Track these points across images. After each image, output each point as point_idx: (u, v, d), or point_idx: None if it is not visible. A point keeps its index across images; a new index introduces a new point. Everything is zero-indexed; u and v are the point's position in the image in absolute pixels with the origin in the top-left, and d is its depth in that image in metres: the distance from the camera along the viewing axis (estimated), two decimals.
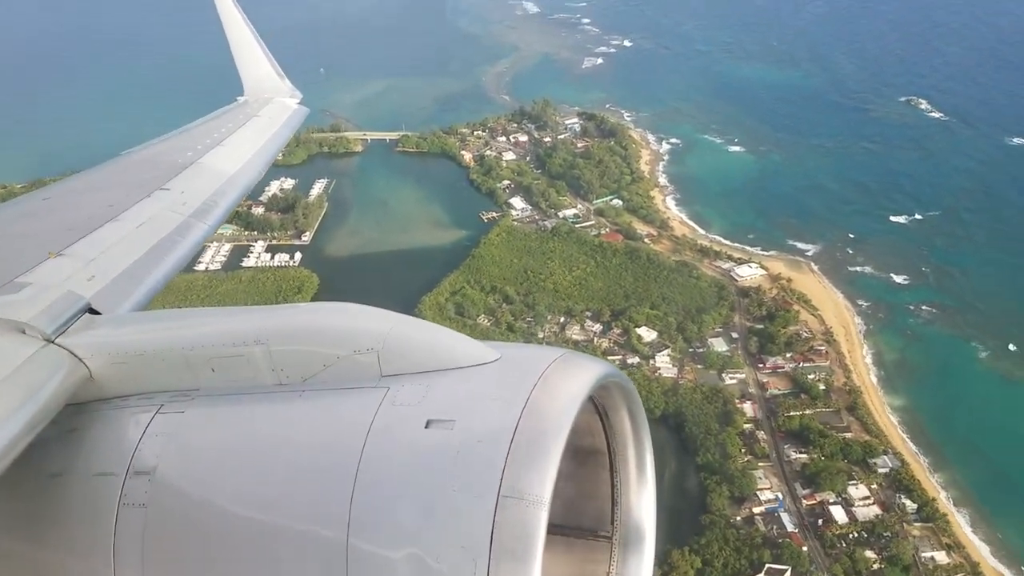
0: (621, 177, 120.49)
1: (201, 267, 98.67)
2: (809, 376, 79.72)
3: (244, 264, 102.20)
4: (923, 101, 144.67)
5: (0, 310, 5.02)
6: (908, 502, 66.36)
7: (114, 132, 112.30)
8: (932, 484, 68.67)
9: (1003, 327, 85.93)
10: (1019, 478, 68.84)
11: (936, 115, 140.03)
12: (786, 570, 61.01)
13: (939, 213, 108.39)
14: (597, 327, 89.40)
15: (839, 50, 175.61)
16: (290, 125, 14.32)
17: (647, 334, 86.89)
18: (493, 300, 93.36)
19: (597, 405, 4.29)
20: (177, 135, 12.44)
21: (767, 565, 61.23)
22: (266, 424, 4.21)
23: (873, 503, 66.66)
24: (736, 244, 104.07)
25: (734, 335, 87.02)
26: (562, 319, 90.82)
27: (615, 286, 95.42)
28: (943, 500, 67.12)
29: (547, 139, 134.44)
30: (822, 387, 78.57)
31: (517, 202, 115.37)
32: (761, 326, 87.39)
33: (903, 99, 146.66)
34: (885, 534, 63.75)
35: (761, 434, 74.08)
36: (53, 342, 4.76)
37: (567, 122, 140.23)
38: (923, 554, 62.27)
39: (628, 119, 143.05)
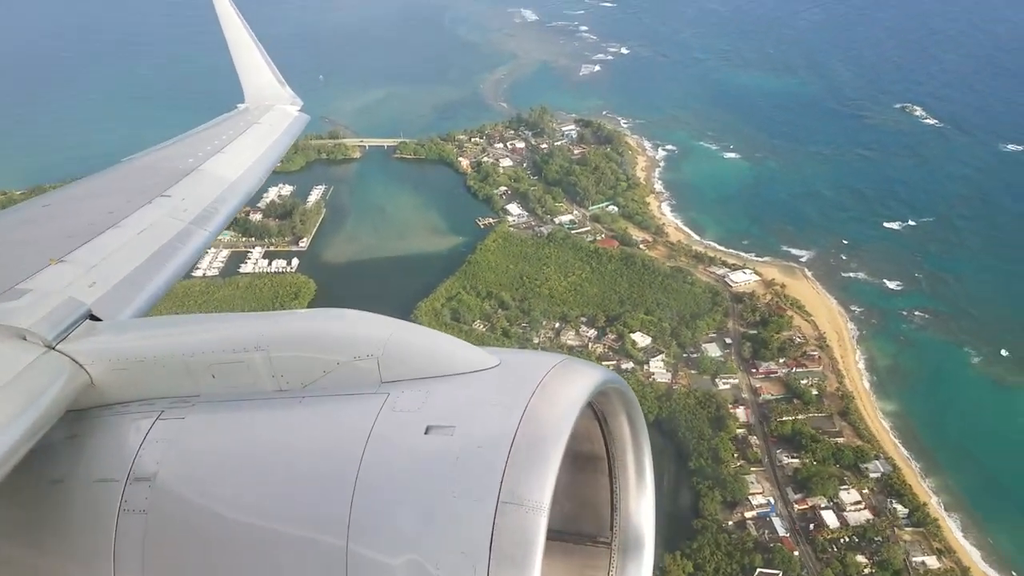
0: (617, 183, 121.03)
1: (199, 273, 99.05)
2: (802, 381, 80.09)
3: (241, 270, 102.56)
4: (919, 108, 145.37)
5: (1, 316, 5.03)
6: (899, 507, 66.61)
7: (114, 137, 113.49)
8: (924, 489, 68.92)
9: (996, 333, 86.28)
10: (1011, 483, 69.10)
11: (932, 122, 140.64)
12: (777, 574, 61.38)
13: (933, 219, 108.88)
14: (592, 332, 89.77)
15: (836, 57, 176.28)
16: (291, 132, 14.40)
17: (641, 339, 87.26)
18: (489, 306, 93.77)
19: (596, 411, 4.29)
20: (178, 142, 12.51)
21: (758, 569, 61.53)
22: (266, 430, 4.23)
23: (864, 508, 66.94)
24: (731, 250, 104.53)
25: (728, 340, 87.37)
26: (557, 324, 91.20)
27: (610, 292, 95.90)
28: (934, 505, 67.36)
29: (544, 146, 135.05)
30: (815, 392, 78.89)
31: (513, 208, 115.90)
32: (755, 331, 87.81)
33: (899, 106, 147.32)
34: (876, 539, 64.00)
35: (754, 439, 74.37)
36: (54, 348, 4.78)
37: (564, 129, 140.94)
38: (914, 559, 62.51)
39: (625, 126, 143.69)
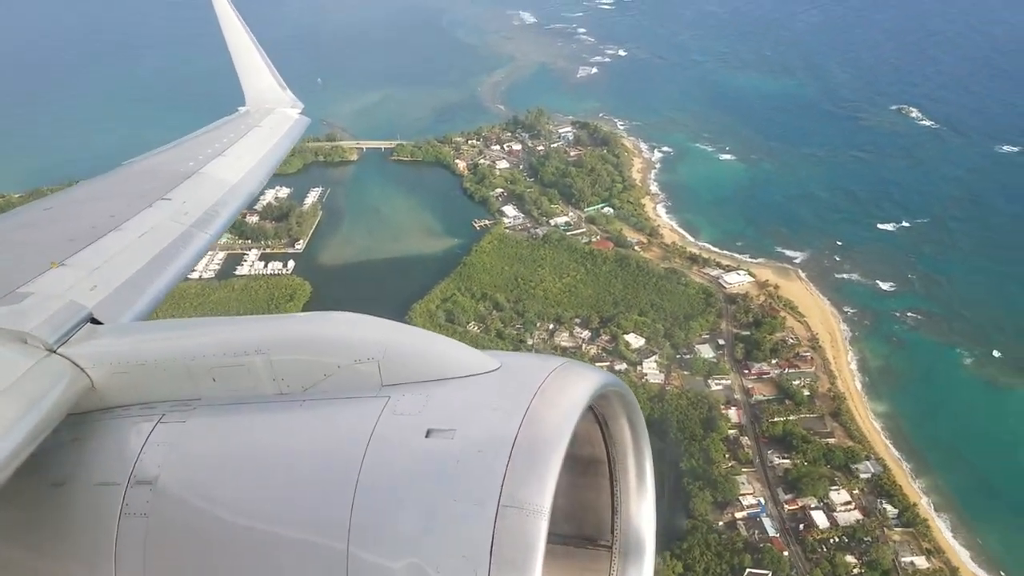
0: (612, 185, 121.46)
1: (195, 275, 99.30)
2: (794, 382, 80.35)
3: (238, 272, 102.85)
4: (914, 110, 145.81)
5: (2, 320, 5.03)
6: (889, 507, 66.77)
7: (113, 140, 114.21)
8: (914, 489, 69.13)
9: (988, 334, 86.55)
10: (1001, 484, 69.31)
11: (927, 123, 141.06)
12: (767, 574, 61.56)
13: (927, 221, 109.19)
14: (586, 334, 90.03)
15: (833, 59, 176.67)
16: (291, 135, 14.37)
17: (635, 340, 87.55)
18: (483, 307, 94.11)
19: (597, 414, 4.28)
20: (178, 145, 12.48)
21: (748, 570, 61.70)
22: (267, 433, 4.23)
23: (854, 508, 67.12)
24: (725, 251, 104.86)
25: (721, 341, 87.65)
26: (551, 326, 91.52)
27: (604, 293, 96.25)
28: (924, 505, 67.55)
29: (540, 148, 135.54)
30: (806, 393, 79.12)
31: (509, 210, 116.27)
32: (748, 332, 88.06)
33: (895, 108, 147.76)
34: (866, 539, 64.18)
35: (745, 440, 74.58)
36: (55, 352, 4.77)
37: (561, 131, 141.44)
38: (903, 559, 62.65)
39: (621, 128, 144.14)
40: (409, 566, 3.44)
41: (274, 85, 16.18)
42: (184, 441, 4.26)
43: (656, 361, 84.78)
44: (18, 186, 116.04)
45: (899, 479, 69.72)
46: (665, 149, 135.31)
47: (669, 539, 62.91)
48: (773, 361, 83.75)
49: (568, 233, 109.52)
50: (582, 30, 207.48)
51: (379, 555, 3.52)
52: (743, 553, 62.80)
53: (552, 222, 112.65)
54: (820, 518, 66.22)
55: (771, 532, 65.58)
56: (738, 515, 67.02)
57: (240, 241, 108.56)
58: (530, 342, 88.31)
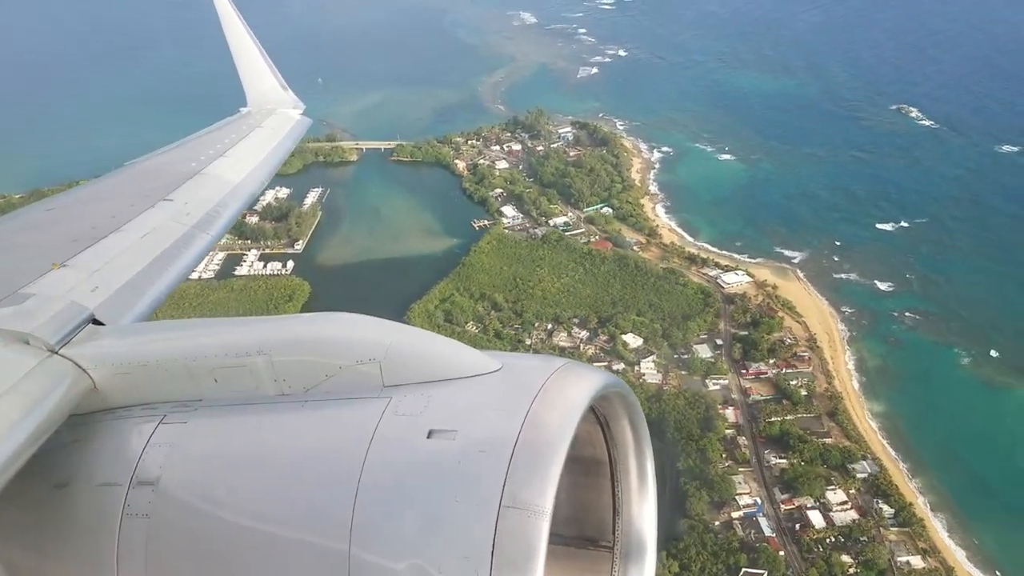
0: (612, 185, 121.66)
1: (195, 275, 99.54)
2: (791, 382, 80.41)
3: (237, 272, 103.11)
4: (914, 109, 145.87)
5: (4, 321, 5.03)
6: (885, 507, 66.83)
7: (114, 141, 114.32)
8: (910, 489, 69.15)
9: (986, 333, 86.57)
10: (997, 483, 69.32)
11: (927, 123, 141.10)
12: (762, 574, 61.61)
13: (925, 221, 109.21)
14: (584, 334, 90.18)
15: (834, 59, 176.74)
16: (293, 136, 14.33)
17: (633, 340, 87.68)
18: (482, 307, 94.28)
19: (598, 415, 4.27)
20: (180, 146, 12.40)
21: (744, 569, 61.82)
22: (269, 434, 4.23)
23: (851, 508, 67.19)
24: (724, 251, 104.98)
25: (719, 341, 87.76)
26: (549, 326, 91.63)
27: (603, 293, 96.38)
28: (920, 505, 67.59)
29: (540, 148, 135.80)
30: (804, 393, 79.21)
31: (509, 210, 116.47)
32: (745, 332, 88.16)
33: (895, 107, 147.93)
34: (862, 538, 64.22)
35: (742, 439, 74.65)
36: (57, 353, 4.77)
37: (560, 131, 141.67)
38: (899, 558, 62.70)
39: (621, 128, 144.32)
40: (411, 567, 3.44)
41: (276, 86, 16.17)
42: (186, 442, 4.27)
43: (654, 361, 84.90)
44: (19, 187, 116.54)
45: (895, 479, 69.76)
46: (665, 149, 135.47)
47: (666, 539, 62.93)
48: (771, 361, 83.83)
49: (567, 233, 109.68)
50: (582, 30, 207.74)
51: (381, 556, 3.52)
52: (739, 553, 62.90)
53: (551, 222, 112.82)
54: (816, 518, 66.30)
55: (767, 532, 65.67)
56: (734, 515, 67.08)
57: (240, 241, 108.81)
58: (528, 342, 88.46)
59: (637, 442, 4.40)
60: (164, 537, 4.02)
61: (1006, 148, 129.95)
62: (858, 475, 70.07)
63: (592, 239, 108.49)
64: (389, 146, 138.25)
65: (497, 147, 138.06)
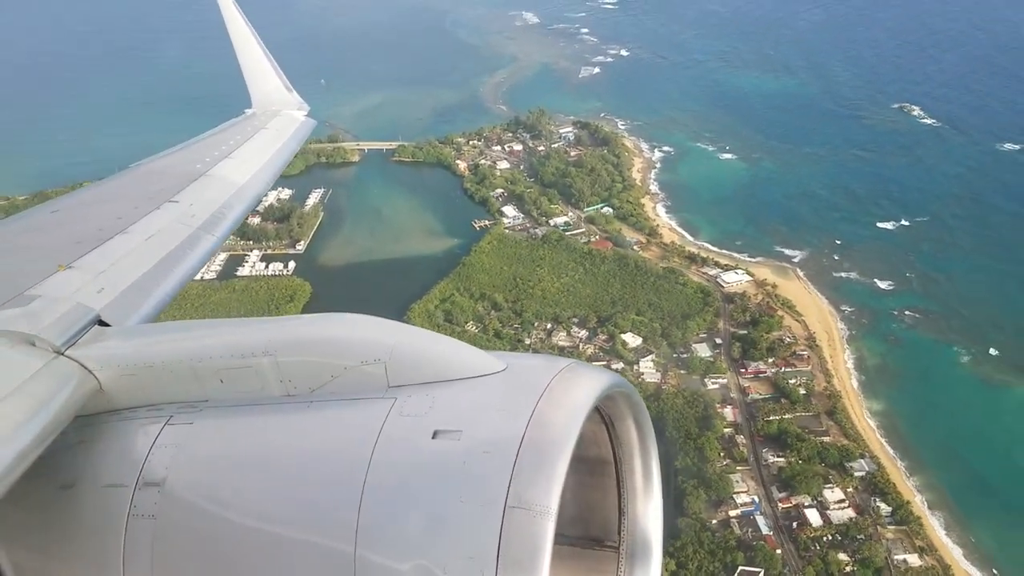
0: (612, 185, 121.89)
1: (196, 276, 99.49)
2: (790, 381, 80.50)
3: (239, 273, 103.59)
4: (916, 108, 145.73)
5: (10, 322, 5.05)
6: (883, 505, 66.88)
7: (118, 143, 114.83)
8: (908, 487, 69.20)
9: (985, 332, 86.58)
10: (995, 481, 69.35)
11: (929, 122, 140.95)
12: (759, 572, 61.70)
13: (926, 219, 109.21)
14: (583, 333, 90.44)
15: (835, 58, 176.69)
16: (297, 137, 14.36)
17: (632, 340, 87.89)
18: (482, 307, 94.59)
19: (603, 415, 4.27)
20: (185, 147, 12.44)
21: (740, 567, 61.94)
22: (274, 435, 4.23)
23: (848, 506, 67.25)
24: (724, 251, 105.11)
25: (718, 340, 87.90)
26: (549, 325, 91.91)
27: (602, 293, 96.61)
28: (918, 503, 67.64)
29: (541, 148, 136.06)
30: (802, 392, 79.29)
31: (509, 210, 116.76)
32: (745, 331, 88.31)
33: (896, 106, 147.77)
34: (859, 537, 64.28)
35: (740, 438, 74.80)
36: (63, 354, 4.78)
37: (562, 131, 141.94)
38: (896, 556, 62.72)
39: (622, 128, 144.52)
40: (416, 567, 3.45)
41: (280, 87, 16.24)
42: (191, 443, 4.28)
43: (653, 360, 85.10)
44: (21, 188, 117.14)
45: (893, 477, 69.82)
46: (666, 149, 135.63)
47: (663, 537, 63.08)
48: (770, 360, 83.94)
49: (567, 233, 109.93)
50: (584, 30, 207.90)
51: (386, 556, 3.53)
52: (736, 551, 63.02)
53: (551, 222, 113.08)
54: (814, 516, 66.41)
55: (764, 530, 65.77)
56: (732, 513, 67.23)
57: (242, 242, 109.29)
58: (528, 342, 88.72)
59: (642, 442, 4.40)
60: (170, 538, 4.04)
61: (1007, 146, 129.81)
62: (856, 473, 70.17)
63: (592, 239, 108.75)
64: (391, 147, 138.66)
65: (498, 147, 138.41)
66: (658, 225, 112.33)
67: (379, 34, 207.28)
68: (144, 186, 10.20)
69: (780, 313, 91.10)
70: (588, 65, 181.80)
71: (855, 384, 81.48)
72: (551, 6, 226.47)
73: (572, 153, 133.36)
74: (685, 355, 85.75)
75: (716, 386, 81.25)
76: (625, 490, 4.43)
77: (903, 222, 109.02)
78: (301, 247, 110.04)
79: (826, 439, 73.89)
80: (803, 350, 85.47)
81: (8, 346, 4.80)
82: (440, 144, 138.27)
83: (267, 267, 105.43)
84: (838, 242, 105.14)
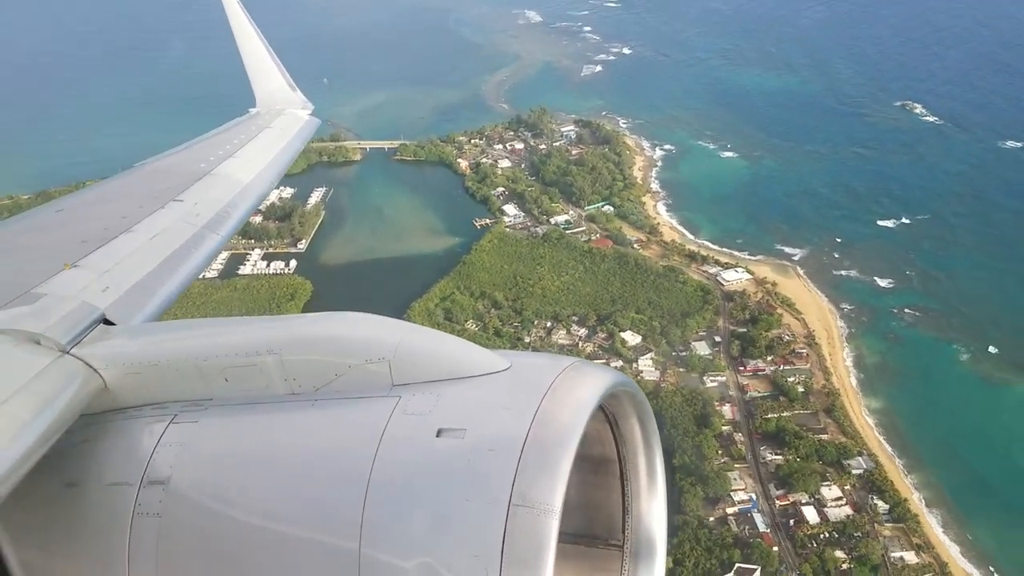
0: (613, 183, 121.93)
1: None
2: (789, 379, 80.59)
3: (240, 272, 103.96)
4: (919, 105, 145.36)
5: (16, 321, 5.07)
6: (880, 503, 67.03)
7: (121, 142, 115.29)
8: (906, 485, 69.27)
9: (985, 330, 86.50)
10: (993, 479, 69.41)
11: (931, 119, 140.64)
12: (755, 569, 61.90)
13: (927, 217, 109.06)
14: (583, 331, 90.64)
15: (838, 55, 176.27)
16: (302, 136, 14.36)
17: (631, 338, 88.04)
18: (482, 305, 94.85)
19: (607, 414, 4.28)
20: (190, 146, 12.48)
21: (737, 565, 62.12)
22: (279, 433, 4.24)
23: (845, 504, 67.41)
24: (724, 249, 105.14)
25: (717, 339, 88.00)
26: (549, 324, 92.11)
27: (602, 291, 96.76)
28: (915, 501, 67.73)
29: (543, 147, 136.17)
30: (801, 390, 79.38)
31: (510, 209, 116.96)
32: (744, 329, 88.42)
33: (899, 104, 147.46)
34: (856, 534, 64.45)
35: (738, 436, 74.96)
36: (68, 353, 4.79)
37: (563, 129, 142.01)
38: (892, 554, 62.88)
39: (624, 126, 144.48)
40: (421, 565, 3.45)
41: (284, 86, 16.28)
42: (196, 441, 4.29)
43: (652, 358, 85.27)
44: (24, 188, 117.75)
45: (891, 475, 69.94)
46: (667, 147, 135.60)
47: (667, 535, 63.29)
48: (769, 358, 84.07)
49: (568, 231, 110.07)
50: (587, 28, 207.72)
51: (391, 554, 3.54)
52: (733, 548, 63.26)
53: (552, 221, 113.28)
54: (811, 513, 66.58)
55: (761, 527, 65.95)
56: (729, 511, 67.43)
57: (243, 241, 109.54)
58: (527, 340, 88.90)
59: (646, 440, 4.41)
60: (175, 536, 4.05)
61: (1010, 144, 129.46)
62: (853, 471, 70.28)
63: (593, 237, 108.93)
64: (392, 145, 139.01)
65: (500, 146, 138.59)
66: (658, 223, 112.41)
67: (381, 34, 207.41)
68: (148, 185, 10.24)
69: (779, 311, 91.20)
70: (590, 63, 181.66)
71: (854, 382, 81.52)
72: (554, 4, 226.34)
73: (573, 151, 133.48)
74: (684, 353, 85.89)
75: (715, 384, 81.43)
76: (629, 489, 4.43)
77: (904, 220, 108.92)
78: (302, 246, 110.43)
79: (824, 437, 74.01)
80: (802, 348, 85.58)
81: (14, 344, 4.83)
82: (442, 143, 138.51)
83: (268, 266, 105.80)
84: (839, 240, 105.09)
